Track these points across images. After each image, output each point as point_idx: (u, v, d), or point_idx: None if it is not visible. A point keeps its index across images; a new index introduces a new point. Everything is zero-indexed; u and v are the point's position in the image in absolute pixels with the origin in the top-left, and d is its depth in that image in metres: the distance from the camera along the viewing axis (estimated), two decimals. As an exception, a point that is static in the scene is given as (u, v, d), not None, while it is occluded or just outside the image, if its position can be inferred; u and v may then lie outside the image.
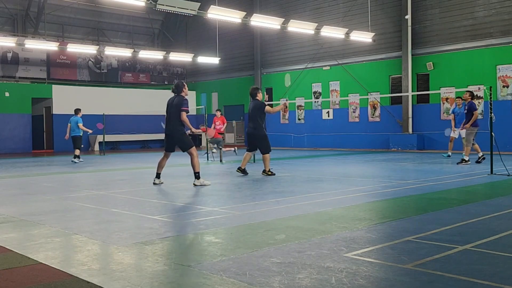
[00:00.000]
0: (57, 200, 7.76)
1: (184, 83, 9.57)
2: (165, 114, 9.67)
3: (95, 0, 26.39)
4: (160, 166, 9.53)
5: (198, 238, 4.88)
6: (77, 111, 16.85)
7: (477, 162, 13.03)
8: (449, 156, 15.18)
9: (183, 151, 9.28)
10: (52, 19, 26.99)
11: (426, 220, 5.55)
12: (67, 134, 16.79)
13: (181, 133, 9.20)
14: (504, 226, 5.12)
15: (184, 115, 9.08)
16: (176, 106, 9.19)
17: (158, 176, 9.57)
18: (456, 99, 14.64)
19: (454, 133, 14.29)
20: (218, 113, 17.71)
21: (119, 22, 30.10)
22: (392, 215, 5.93)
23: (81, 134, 16.80)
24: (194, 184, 9.10)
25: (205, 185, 9.09)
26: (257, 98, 11.03)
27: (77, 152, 16.55)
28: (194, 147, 9.17)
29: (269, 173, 10.76)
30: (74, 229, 5.39)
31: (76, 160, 16.28)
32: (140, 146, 27.74)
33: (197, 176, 9.11)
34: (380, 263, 3.84)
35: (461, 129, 13.33)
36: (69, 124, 16.75)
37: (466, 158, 12.84)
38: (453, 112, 14.54)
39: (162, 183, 9.58)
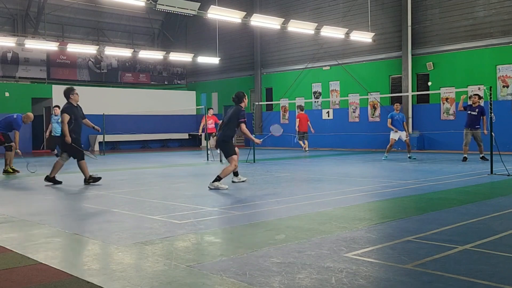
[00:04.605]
0: (57, 200, 7.76)
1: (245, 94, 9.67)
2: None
3: (95, 0, 26.38)
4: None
5: (198, 238, 4.88)
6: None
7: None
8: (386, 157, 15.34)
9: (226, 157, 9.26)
10: (52, 19, 26.98)
11: (426, 220, 5.55)
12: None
13: (226, 141, 9.18)
14: (504, 226, 5.12)
15: (243, 127, 9.15)
16: (231, 117, 9.22)
17: (235, 174, 9.57)
18: (396, 105, 15.61)
19: (395, 135, 15.24)
20: (211, 112, 18.05)
21: (119, 22, 30.10)
22: (392, 215, 5.93)
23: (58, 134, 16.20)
24: (208, 186, 8.81)
25: (220, 188, 8.79)
26: (71, 100, 10.09)
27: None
28: (235, 156, 9.16)
29: (90, 181, 9.87)
30: (74, 229, 5.39)
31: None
32: (140, 146, 27.73)
33: (217, 179, 8.84)
34: (380, 263, 3.84)
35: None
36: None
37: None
38: (391, 116, 15.34)
39: (244, 180, 9.63)
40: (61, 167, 10.08)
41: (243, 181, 9.60)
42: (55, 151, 16.12)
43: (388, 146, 15.40)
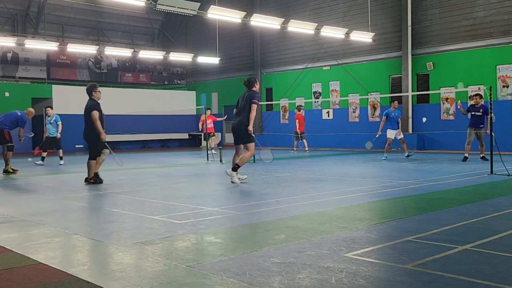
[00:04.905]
0: (57, 200, 7.76)
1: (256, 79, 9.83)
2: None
3: (95, 0, 26.39)
4: (234, 162, 9.58)
5: (198, 238, 4.88)
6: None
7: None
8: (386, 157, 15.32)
9: (243, 144, 9.49)
10: (52, 19, 26.98)
11: (426, 220, 5.55)
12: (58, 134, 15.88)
13: (247, 127, 9.38)
14: (504, 226, 5.12)
15: (254, 107, 9.34)
16: (247, 100, 9.47)
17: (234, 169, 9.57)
18: (394, 102, 15.61)
19: (392, 134, 15.27)
20: (209, 112, 18.25)
21: (119, 22, 30.09)
22: (392, 215, 5.93)
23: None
24: (226, 171, 9.27)
25: (233, 181, 9.18)
26: (94, 97, 9.86)
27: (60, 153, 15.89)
28: (252, 144, 9.42)
29: (91, 180, 9.68)
30: (74, 229, 5.39)
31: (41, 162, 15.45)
32: (140, 146, 27.73)
33: (235, 167, 9.26)
34: (380, 263, 3.84)
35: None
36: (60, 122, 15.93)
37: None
38: (386, 114, 15.36)
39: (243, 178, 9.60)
40: (103, 161, 10.00)
41: (243, 180, 9.58)
42: (45, 153, 15.93)
43: (386, 145, 15.42)
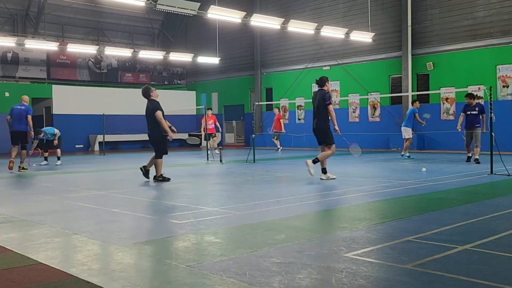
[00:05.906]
0: (57, 200, 7.76)
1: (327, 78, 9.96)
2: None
3: (95, 0, 26.39)
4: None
5: (198, 238, 4.88)
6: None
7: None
8: (408, 156, 15.48)
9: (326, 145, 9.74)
10: (52, 19, 26.98)
11: (426, 220, 5.55)
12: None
13: (324, 129, 9.64)
14: (504, 226, 5.12)
15: (330, 108, 9.55)
16: (319, 101, 9.67)
17: (324, 171, 9.75)
18: (416, 102, 15.84)
19: (410, 133, 15.62)
20: (210, 112, 18.29)
21: (119, 22, 30.09)
22: (392, 215, 5.93)
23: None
24: (321, 178, 9.66)
25: (332, 178, 9.63)
26: (153, 98, 10.12)
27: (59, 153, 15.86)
28: (334, 145, 9.70)
29: (160, 178, 9.95)
30: (74, 229, 5.39)
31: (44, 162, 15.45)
32: (140, 146, 27.71)
33: (323, 171, 9.72)
34: (380, 263, 3.84)
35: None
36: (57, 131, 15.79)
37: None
38: (416, 112, 15.60)
39: (333, 178, 9.69)
40: (162, 163, 10.12)
41: (333, 179, 9.70)
42: (46, 153, 15.89)
43: (408, 144, 15.63)
